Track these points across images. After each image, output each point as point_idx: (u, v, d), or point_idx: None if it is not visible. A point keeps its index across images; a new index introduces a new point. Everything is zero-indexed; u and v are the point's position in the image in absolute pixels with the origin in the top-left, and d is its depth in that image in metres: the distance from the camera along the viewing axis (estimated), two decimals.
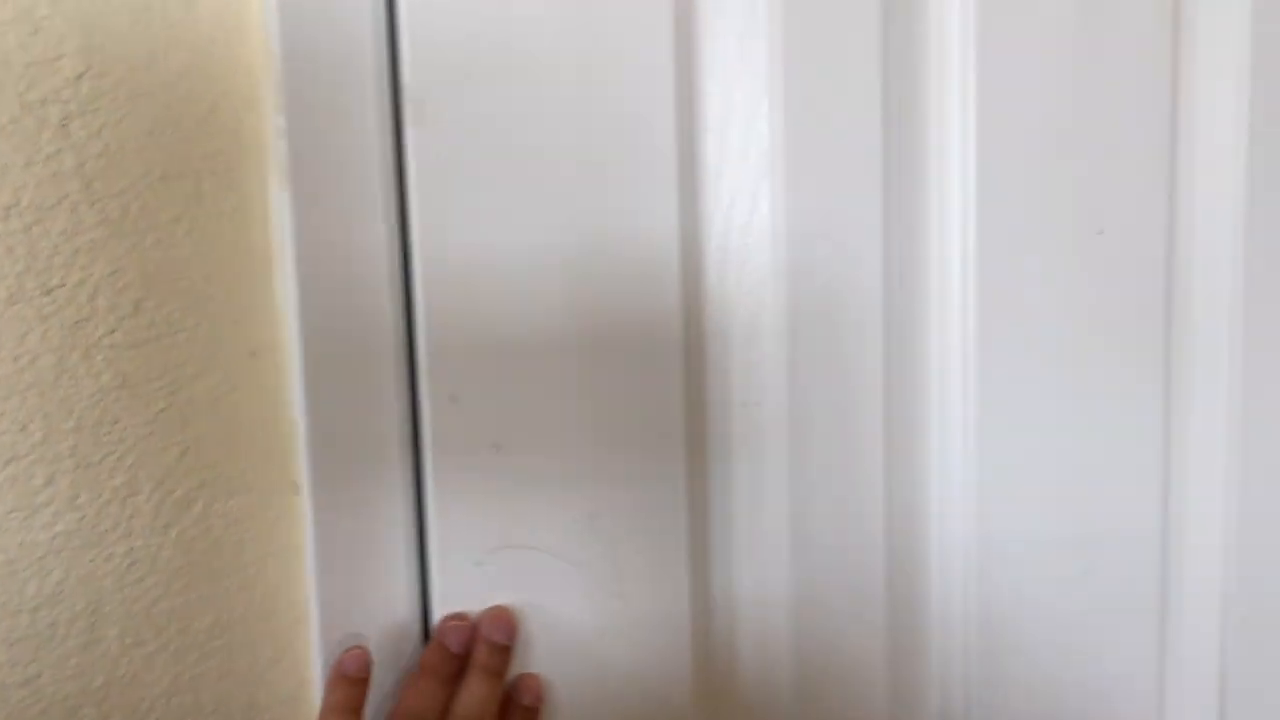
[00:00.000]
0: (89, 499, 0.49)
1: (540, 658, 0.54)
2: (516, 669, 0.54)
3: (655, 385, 0.53)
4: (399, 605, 0.52)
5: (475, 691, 0.51)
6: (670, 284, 0.53)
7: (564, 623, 0.54)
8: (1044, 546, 0.60)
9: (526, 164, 0.51)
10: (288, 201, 0.49)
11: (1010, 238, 0.57)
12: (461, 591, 0.53)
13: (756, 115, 0.54)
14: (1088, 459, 0.59)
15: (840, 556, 0.57)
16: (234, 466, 0.51)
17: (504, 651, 0.52)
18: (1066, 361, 0.58)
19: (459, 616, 0.53)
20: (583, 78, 0.51)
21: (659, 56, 0.52)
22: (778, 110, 0.53)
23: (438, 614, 0.53)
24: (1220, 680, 0.62)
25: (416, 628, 0.53)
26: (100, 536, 0.49)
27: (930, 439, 0.59)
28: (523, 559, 0.53)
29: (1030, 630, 0.60)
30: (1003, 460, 0.58)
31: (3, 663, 0.48)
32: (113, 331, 0.49)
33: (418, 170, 0.50)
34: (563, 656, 0.54)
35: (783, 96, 0.53)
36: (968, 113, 0.55)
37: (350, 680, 0.50)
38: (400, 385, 0.51)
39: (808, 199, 0.54)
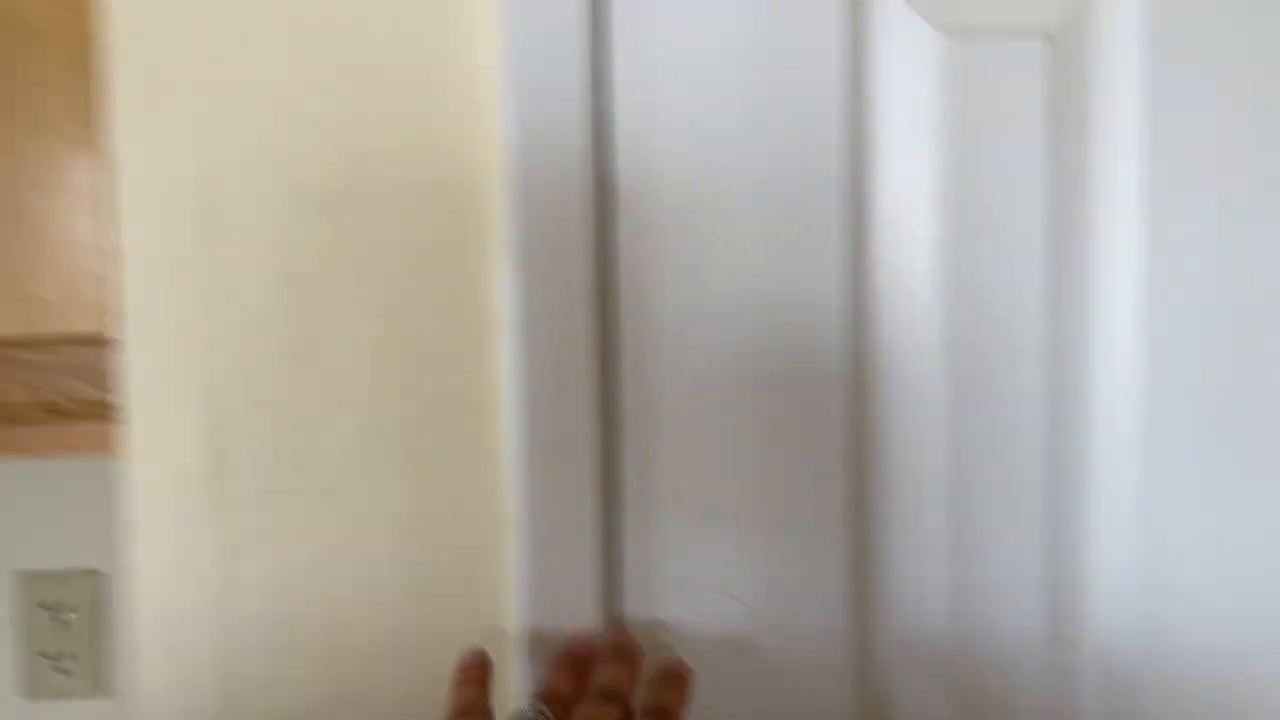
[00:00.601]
0: (339, 528, 0.58)
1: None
2: None
3: (819, 425, 0.58)
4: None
5: (610, 670, 0.53)
6: (837, 329, 0.57)
7: (724, 660, 0.58)
8: (1215, 619, 0.60)
9: (716, 250, 0.57)
10: (513, 276, 0.56)
11: (1183, 288, 0.57)
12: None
13: (923, 167, 0.58)
14: (1267, 534, 0.59)
15: (1001, 602, 0.59)
16: (456, 502, 0.59)
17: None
18: (1245, 423, 0.57)
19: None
20: (766, 168, 0.57)
21: (831, 131, 0.57)
22: (950, 160, 0.57)
23: None
24: None
25: None
26: (355, 558, 0.58)
27: (1095, 496, 0.60)
28: (698, 596, 0.58)
29: (1199, 701, 0.60)
30: (1171, 527, 0.58)
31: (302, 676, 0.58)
32: (366, 387, 0.57)
33: (625, 256, 0.57)
34: (716, 686, 0.58)
35: (954, 151, 0.57)
36: (1140, 164, 0.56)
37: (473, 681, 0.53)
38: (597, 442, 0.57)
39: (972, 249, 0.58)
